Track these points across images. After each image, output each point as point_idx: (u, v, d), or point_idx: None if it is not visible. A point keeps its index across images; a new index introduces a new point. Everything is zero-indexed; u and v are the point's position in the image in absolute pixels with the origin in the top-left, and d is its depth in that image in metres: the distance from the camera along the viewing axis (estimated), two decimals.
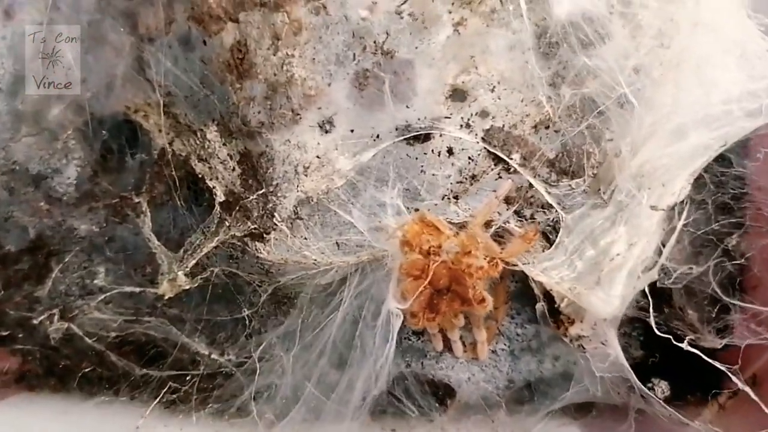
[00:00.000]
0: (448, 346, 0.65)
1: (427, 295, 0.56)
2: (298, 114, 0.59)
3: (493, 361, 0.67)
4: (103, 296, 0.65)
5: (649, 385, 0.62)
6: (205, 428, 0.63)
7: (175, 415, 0.64)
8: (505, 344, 0.67)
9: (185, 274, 0.62)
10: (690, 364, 0.59)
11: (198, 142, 0.62)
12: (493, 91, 0.60)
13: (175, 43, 0.61)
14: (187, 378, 0.64)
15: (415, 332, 0.66)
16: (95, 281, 0.66)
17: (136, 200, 0.65)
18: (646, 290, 0.57)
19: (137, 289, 0.65)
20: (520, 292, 0.66)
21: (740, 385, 0.56)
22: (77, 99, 0.66)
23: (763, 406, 0.55)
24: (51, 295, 0.66)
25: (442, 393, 0.66)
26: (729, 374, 0.56)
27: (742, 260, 0.59)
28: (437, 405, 0.65)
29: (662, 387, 0.64)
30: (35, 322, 0.66)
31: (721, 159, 0.57)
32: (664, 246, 0.57)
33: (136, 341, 0.66)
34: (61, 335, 0.66)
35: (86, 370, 0.66)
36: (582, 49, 0.58)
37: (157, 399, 0.63)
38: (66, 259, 0.66)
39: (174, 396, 0.64)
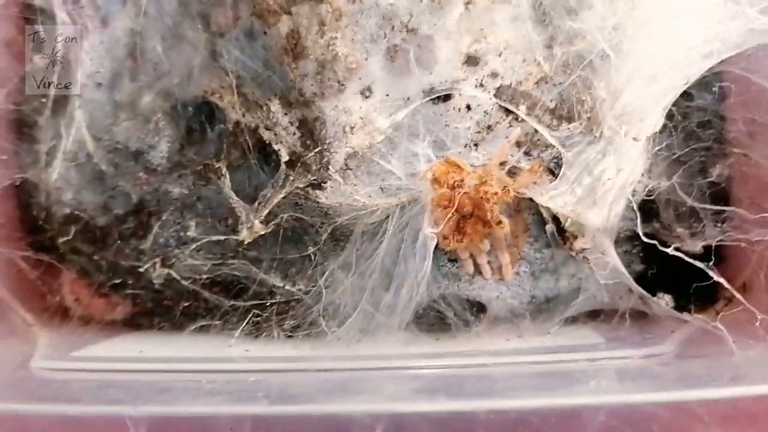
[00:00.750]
0: (478, 270, 0.78)
1: (455, 221, 0.70)
2: (343, 84, 0.73)
3: (517, 282, 0.80)
4: (194, 245, 0.80)
5: (655, 299, 0.75)
6: (284, 345, 0.77)
7: (259, 337, 0.78)
8: (526, 267, 0.80)
9: (260, 222, 0.76)
10: (688, 278, 0.72)
11: (264, 114, 0.76)
12: (500, 56, 0.73)
13: (241, 36, 0.76)
14: (267, 305, 0.79)
15: (451, 259, 0.79)
16: (188, 233, 0.80)
17: (217, 165, 0.79)
18: (635, 206, 0.70)
19: (222, 237, 0.79)
20: (536, 223, 0.79)
21: (726, 285, 0.69)
22: (164, 87, 0.81)
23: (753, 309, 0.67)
24: (153, 247, 0.81)
25: (476, 309, 0.79)
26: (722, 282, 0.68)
27: (713, 177, 0.71)
28: (473, 318, 0.78)
29: (666, 299, 0.76)
30: (141, 270, 0.81)
31: (686, 94, 0.69)
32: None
33: (223, 281, 0.80)
34: (163, 280, 0.81)
35: (185, 305, 0.81)
36: (568, 15, 0.71)
37: (245, 323, 0.78)
38: (163, 218, 0.81)
39: (257, 320, 0.78)
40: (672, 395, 0.56)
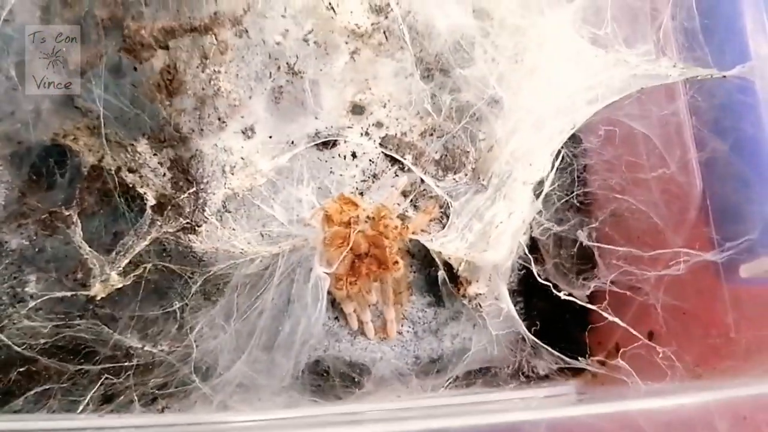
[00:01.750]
0: (361, 329, 0.73)
1: (349, 261, 0.65)
2: (224, 122, 0.68)
3: (400, 342, 0.75)
4: (33, 303, 0.68)
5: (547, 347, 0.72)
6: (143, 416, 0.65)
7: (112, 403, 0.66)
8: (409, 327, 0.75)
9: (118, 274, 0.67)
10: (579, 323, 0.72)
11: (128, 155, 0.69)
12: (385, 107, 0.72)
13: (106, 73, 0.69)
14: (122, 370, 0.67)
15: (332, 317, 0.73)
16: (26, 289, 0.68)
17: (67, 213, 0.69)
18: (525, 250, 0.69)
19: (68, 293, 0.68)
20: (418, 282, 0.76)
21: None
22: (5, 131, 0.72)
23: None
24: None
25: (359, 371, 0.73)
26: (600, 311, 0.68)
27: (597, 222, 0.72)
28: (356, 382, 0.72)
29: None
30: None
31: (574, 138, 0.71)
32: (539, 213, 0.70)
33: (66, 345, 0.68)
34: None
35: (16, 374, 0.67)
36: (451, 70, 0.72)
37: (94, 390, 0.65)
38: None
39: (111, 385, 0.66)
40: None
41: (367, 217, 0.65)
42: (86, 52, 0.70)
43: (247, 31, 0.68)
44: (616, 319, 0.66)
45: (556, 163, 0.68)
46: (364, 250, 0.64)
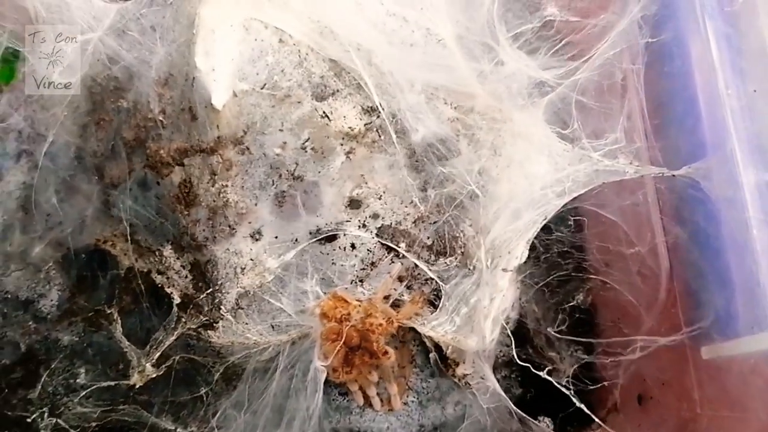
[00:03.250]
0: (368, 402, 0.81)
1: (343, 353, 0.73)
2: (234, 229, 0.77)
3: (405, 412, 0.83)
4: (84, 392, 0.79)
5: (536, 422, 0.79)
6: None
7: None
8: (414, 396, 0.83)
9: (152, 365, 0.77)
10: (567, 400, 0.77)
11: (156, 259, 0.79)
12: (380, 198, 0.80)
13: (135, 186, 0.80)
14: None
15: (341, 393, 0.82)
16: (78, 380, 0.80)
17: (109, 311, 0.80)
18: (509, 332, 0.76)
19: (112, 383, 0.79)
20: (421, 353, 0.83)
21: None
22: (56, 237, 0.83)
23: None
24: (41, 396, 0.80)
25: None
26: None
27: (576, 303, 0.78)
28: None
29: (546, 422, 0.81)
30: (29, 420, 0.79)
31: (546, 228, 0.77)
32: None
33: (113, 427, 0.80)
34: (50, 430, 0.79)
35: None
36: (439, 161, 0.79)
37: None
38: (52, 366, 0.81)
39: None
40: None
41: (357, 313, 0.73)
42: (117, 167, 0.81)
43: (248, 149, 0.76)
44: (582, 406, 0.71)
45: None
46: (355, 344, 0.73)
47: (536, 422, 0.77)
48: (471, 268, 0.77)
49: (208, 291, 0.77)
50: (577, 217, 0.76)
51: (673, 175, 0.67)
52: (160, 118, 0.78)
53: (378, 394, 0.80)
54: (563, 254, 0.79)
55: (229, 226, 0.77)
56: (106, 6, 0.79)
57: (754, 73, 0.66)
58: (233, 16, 0.75)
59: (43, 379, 0.80)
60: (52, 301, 0.82)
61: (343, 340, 0.72)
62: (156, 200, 0.79)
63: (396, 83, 0.79)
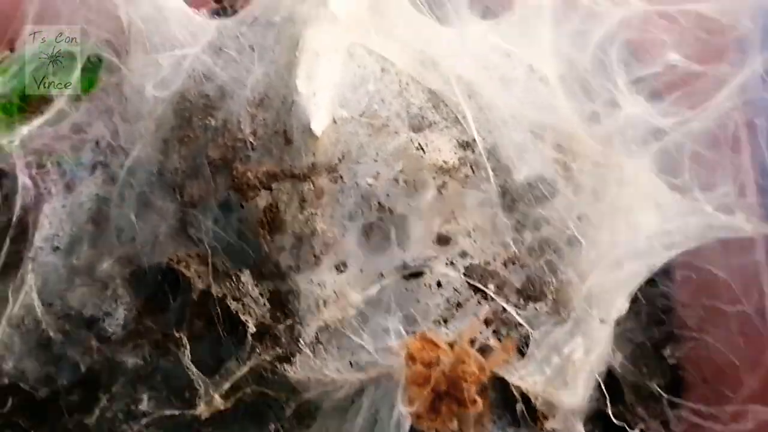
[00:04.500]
0: None
1: (430, 400, 0.69)
2: (319, 258, 0.74)
3: None
4: (145, 420, 0.75)
5: None
6: None
7: None
8: None
9: (221, 396, 0.74)
10: None
11: (233, 284, 0.75)
12: (469, 236, 0.76)
13: (216, 207, 0.77)
14: None
15: None
16: (140, 407, 0.76)
17: (178, 335, 0.76)
18: (603, 387, 0.72)
19: (177, 412, 0.75)
20: (499, 402, 0.79)
21: None
22: (127, 253, 0.80)
23: None
24: (99, 422, 0.76)
25: None
26: None
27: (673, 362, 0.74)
28: None
29: None
30: None
31: (650, 280, 0.73)
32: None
33: None
34: None
35: None
36: (535, 202, 0.76)
37: None
38: (113, 390, 0.76)
39: None
40: None
41: (447, 358, 0.69)
42: (198, 187, 0.78)
43: (341, 177, 0.73)
44: None
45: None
46: (443, 390, 0.68)
47: None
48: (564, 316, 0.74)
49: (287, 322, 0.73)
50: (681, 271, 0.73)
51: None
52: (251, 140, 0.75)
53: None
54: (665, 310, 0.76)
55: (315, 256, 0.74)
56: (205, 22, 0.77)
57: None
58: (339, 41, 0.73)
59: (102, 404, 0.76)
60: (117, 320, 0.78)
61: (431, 386, 0.68)
62: (238, 223, 0.76)
63: (496, 118, 0.77)
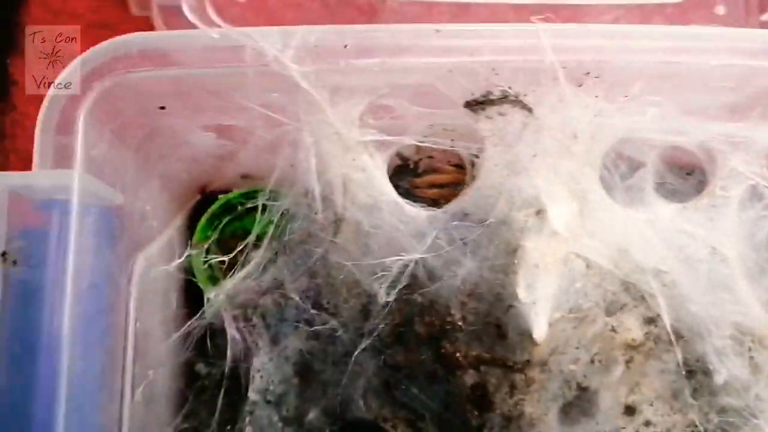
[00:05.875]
0: None
1: None
2: None
3: None
4: None
5: None
6: None
7: None
8: None
9: None
10: None
11: None
12: (651, 405, 0.84)
13: (422, 375, 0.84)
14: None
15: None
16: None
17: None
18: None
19: None
20: None
21: None
22: (331, 406, 0.88)
23: None
24: None
25: None
26: None
27: None
28: None
29: None
30: None
31: None
32: None
33: None
34: None
35: None
36: (717, 371, 0.83)
37: None
38: None
39: None
40: None
41: None
42: (403, 354, 0.85)
43: (549, 368, 0.80)
44: None
45: None
46: None
47: None
48: None
49: None
50: None
51: None
52: (460, 323, 0.81)
53: None
54: None
55: None
56: (416, 212, 0.82)
57: None
58: (557, 253, 0.78)
59: None
60: None
61: None
62: (444, 395, 0.83)
63: (680, 295, 0.83)
